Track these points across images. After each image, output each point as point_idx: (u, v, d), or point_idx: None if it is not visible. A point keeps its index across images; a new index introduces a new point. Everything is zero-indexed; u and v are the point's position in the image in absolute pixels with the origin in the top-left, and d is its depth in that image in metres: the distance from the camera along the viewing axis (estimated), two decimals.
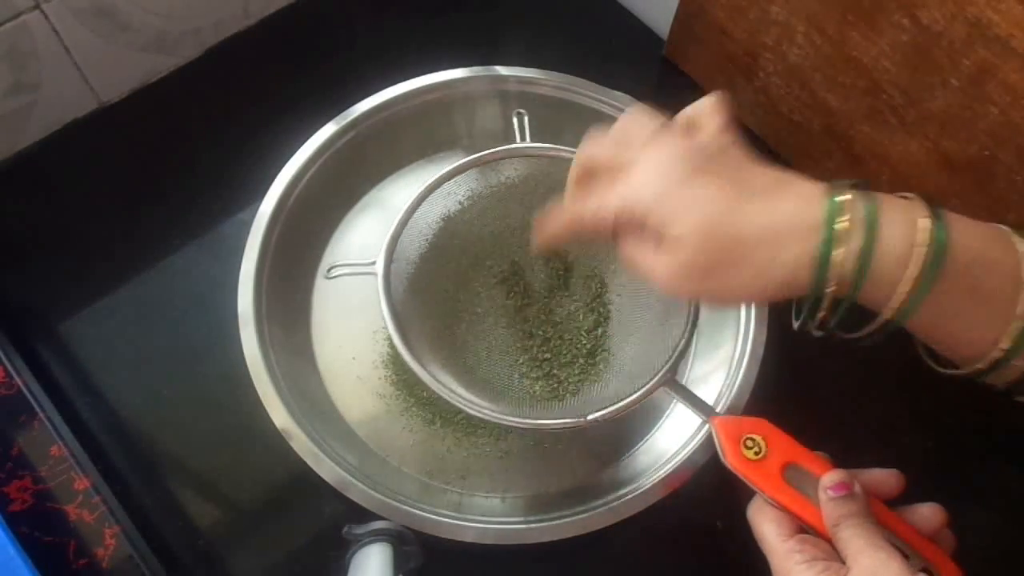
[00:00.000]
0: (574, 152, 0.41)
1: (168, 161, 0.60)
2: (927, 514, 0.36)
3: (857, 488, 0.35)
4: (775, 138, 0.61)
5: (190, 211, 0.58)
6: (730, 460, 0.37)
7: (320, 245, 0.55)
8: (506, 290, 0.52)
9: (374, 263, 0.44)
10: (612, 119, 0.53)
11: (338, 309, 0.53)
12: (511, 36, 0.68)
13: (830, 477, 0.35)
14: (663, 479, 0.45)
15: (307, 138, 0.52)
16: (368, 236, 0.56)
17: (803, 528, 0.36)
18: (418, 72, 0.54)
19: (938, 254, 0.30)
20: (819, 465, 0.36)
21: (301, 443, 0.44)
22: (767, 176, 0.33)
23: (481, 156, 0.46)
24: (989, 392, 0.36)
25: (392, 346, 0.49)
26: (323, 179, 0.53)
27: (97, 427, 0.51)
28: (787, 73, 0.56)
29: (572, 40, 0.67)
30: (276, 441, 0.44)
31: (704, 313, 0.54)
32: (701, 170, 0.33)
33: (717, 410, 0.40)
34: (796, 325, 0.35)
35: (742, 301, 0.35)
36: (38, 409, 0.48)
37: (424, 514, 0.43)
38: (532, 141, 0.47)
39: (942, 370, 0.35)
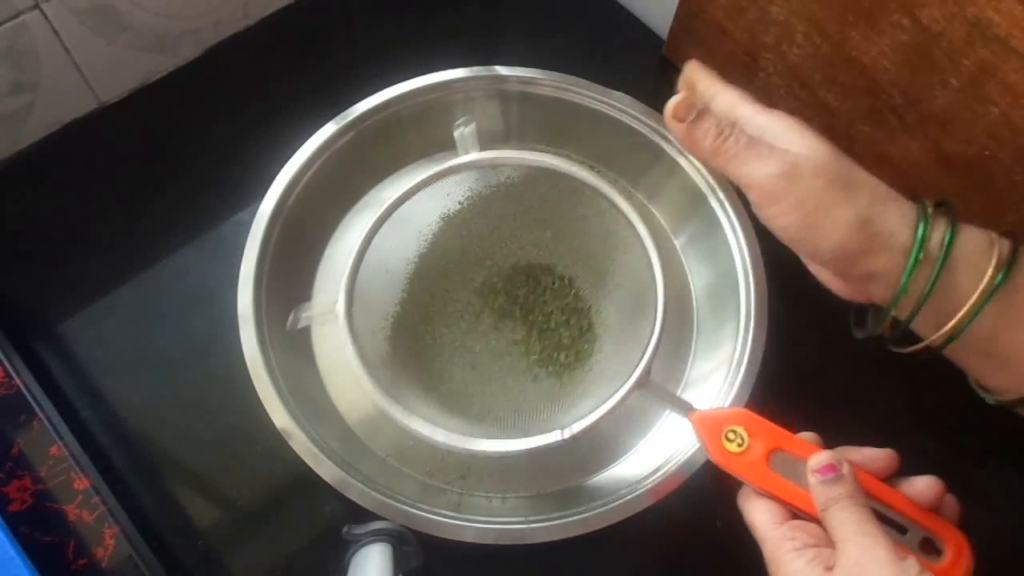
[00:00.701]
0: (522, 158, 0.46)
1: (168, 161, 0.60)
2: (922, 487, 0.35)
3: (845, 469, 0.34)
4: None
5: (190, 211, 0.58)
6: (713, 455, 0.37)
7: (320, 245, 0.55)
8: (487, 301, 0.53)
9: (336, 303, 0.44)
10: (612, 119, 0.55)
11: None
12: (511, 36, 0.68)
13: (816, 459, 0.35)
14: (662, 479, 0.45)
15: (307, 138, 0.52)
16: None
17: (795, 513, 0.35)
18: (418, 72, 0.54)
19: (1012, 259, 0.33)
20: (805, 448, 0.36)
21: (301, 443, 0.44)
22: None
23: (426, 178, 0.46)
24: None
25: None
26: (323, 179, 0.53)
27: (97, 427, 0.51)
28: (787, 73, 0.56)
29: (572, 40, 0.67)
30: (276, 441, 0.44)
31: (703, 313, 0.55)
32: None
33: (696, 406, 0.39)
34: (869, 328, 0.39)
35: (804, 240, 0.37)
36: (38, 409, 0.48)
37: (424, 514, 0.43)
38: (483, 150, 0.47)
39: (993, 399, 0.36)
